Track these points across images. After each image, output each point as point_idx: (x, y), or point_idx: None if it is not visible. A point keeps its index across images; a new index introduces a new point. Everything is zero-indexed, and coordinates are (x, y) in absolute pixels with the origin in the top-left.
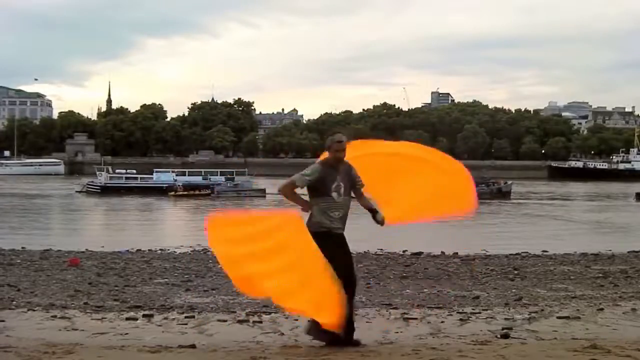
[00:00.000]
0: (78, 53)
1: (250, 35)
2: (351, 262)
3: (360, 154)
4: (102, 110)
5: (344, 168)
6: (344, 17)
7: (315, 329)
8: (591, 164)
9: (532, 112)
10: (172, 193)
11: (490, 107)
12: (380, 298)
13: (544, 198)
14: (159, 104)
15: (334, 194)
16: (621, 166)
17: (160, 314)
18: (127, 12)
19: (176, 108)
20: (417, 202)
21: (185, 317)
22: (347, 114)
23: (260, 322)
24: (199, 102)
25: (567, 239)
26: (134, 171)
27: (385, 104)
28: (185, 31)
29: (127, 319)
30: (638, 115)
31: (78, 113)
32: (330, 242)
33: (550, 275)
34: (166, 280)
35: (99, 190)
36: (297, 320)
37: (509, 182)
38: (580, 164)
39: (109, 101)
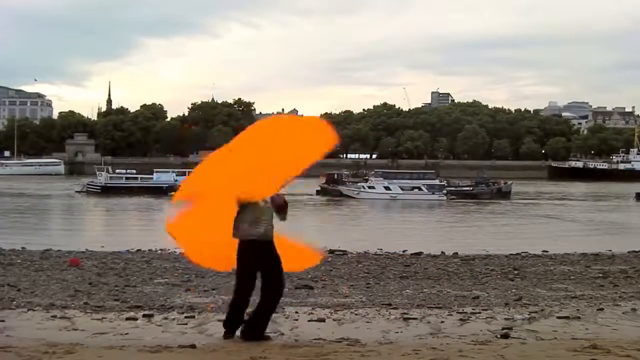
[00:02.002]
0: (78, 53)
1: (251, 35)
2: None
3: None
4: (102, 110)
5: None
6: (344, 17)
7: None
8: (591, 164)
9: (532, 112)
10: (173, 193)
11: (490, 107)
12: (380, 298)
13: (544, 198)
14: (159, 104)
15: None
16: (621, 166)
17: (160, 314)
18: (127, 12)
19: (176, 108)
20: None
21: (185, 317)
22: (347, 113)
23: None
24: (199, 102)
25: (567, 239)
26: (134, 171)
27: (385, 104)
28: (186, 31)
29: (127, 319)
30: (638, 115)
31: (78, 113)
32: None
33: (550, 275)
34: (166, 280)
35: (99, 190)
36: (296, 320)
37: (509, 182)
38: (580, 164)
39: (109, 101)
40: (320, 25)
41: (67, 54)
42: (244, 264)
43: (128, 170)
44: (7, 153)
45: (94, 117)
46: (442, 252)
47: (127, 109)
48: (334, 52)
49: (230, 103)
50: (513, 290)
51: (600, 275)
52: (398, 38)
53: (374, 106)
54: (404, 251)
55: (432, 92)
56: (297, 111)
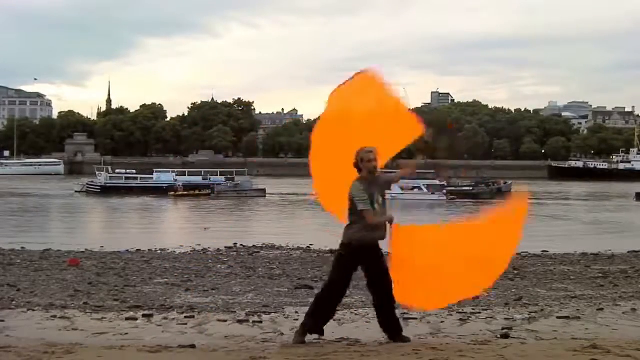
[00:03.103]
0: (78, 53)
1: (251, 35)
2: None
3: None
4: (102, 110)
5: (377, 179)
6: (345, 18)
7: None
8: (591, 164)
9: (532, 112)
10: (172, 193)
11: (490, 107)
12: None
13: (544, 198)
14: (159, 104)
15: (375, 206)
16: (621, 166)
17: (160, 314)
18: (127, 12)
19: (176, 108)
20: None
21: (185, 317)
22: None
23: (260, 322)
24: (199, 102)
25: (567, 239)
26: (134, 171)
27: None
28: (186, 31)
29: (127, 319)
30: (638, 115)
31: (78, 113)
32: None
33: (550, 275)
34: (166, 280)
35: (99, 190)
36: (296, 320)
37: (509, 182)
38: (580, 164)
39: (109, 101)
40: (321, 25)
41: (67, 54)
42: None
43: (128, 170)
44: (6, 153)
45: (94, 117)
46: None
47: (127, 108)
48: (334, 52)
49: (230, 103)
50: (513, 290)
51: (600, 275)
52: (398, 38)
53: None
54: None
55: (432, 92)
56: (297, 111)
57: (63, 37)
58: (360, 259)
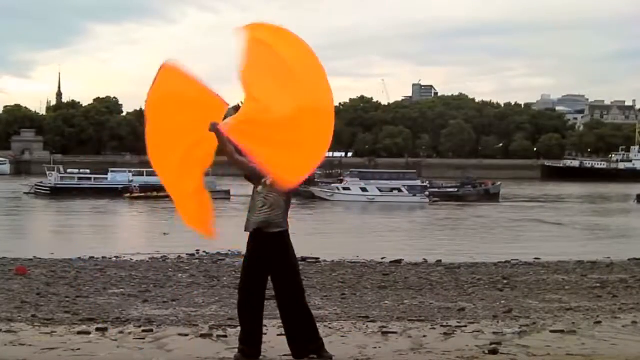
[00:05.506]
0: (21, 41)
1: (209, 20)
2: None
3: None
4: (51, 104)
5: None
6: (311, 1)
7: None
8: (588, 163)
9: (522, 106)
10: (128, 195)
11: (477, 100)
12: (356, 310)
13: (536, 200)
14: (114, 97)
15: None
16: (621, 165)
17: (115, 327)
18: None
19: (132, 102)
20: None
21: (143, 330)
22: None
23: (225, 336)
24: None
25: (562, 246)
26: (87, 171)
27: (362, 97)
28: (137, 16)
29: (78, 333)
30: (639, 109)
31: (25, 107)
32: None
33: (543, 285)
34: (122, 290)
35: (48, 192)
36: (265, 334)
37: (498, 183)
38: (576, 163)
39: (59, 94)
40: (284, 9)
41: (9, 41)
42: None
43: (81, 170)
44: None
45: (43, 112)
46: (424, 259)
47: (79, 102)
48: (303, 39)
49: None
50: (502, 302)
51: (598, 285)
52: (374, 24)
53: (350, 99)
54: (382, 259)
55: (414, 84)
56: None
57: (4, 24)
58: None
